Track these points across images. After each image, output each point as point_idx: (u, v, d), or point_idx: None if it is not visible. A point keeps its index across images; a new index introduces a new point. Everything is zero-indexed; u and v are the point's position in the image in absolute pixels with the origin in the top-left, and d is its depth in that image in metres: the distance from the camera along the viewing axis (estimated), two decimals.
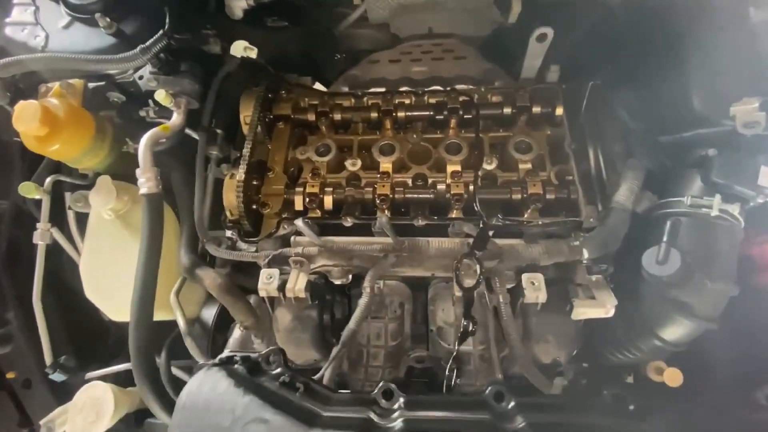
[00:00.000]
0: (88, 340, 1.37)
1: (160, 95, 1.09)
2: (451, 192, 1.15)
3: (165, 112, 1.23)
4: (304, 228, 1.03)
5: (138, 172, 1.05)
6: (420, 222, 1.14)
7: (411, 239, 1.04)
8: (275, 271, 1.03)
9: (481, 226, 0.98)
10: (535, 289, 0.94)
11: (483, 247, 0.95)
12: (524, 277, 0.96)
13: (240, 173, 1.15)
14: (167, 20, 1.12)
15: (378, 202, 1.16)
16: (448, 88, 1.37)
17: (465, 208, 1.15)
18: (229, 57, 1.35)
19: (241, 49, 1.32)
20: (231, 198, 1.16)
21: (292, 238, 1.12)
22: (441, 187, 1.17)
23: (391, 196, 1.17)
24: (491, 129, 1.33)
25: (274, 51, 1.54)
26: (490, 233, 0.98)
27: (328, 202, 1.19)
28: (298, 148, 1.31)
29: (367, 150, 1.34)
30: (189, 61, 1.23)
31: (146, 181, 1.04)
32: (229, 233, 1.21)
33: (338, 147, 1.32)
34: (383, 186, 1.18)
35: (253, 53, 1.35)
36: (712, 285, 0.88)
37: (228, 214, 1.20)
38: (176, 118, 1.15)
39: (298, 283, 1.00)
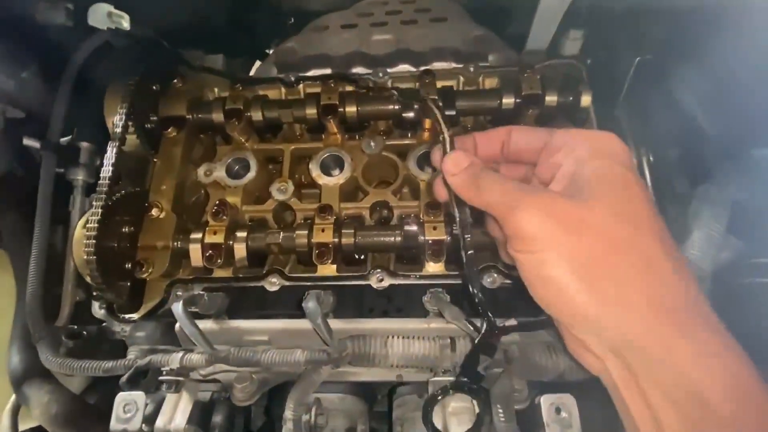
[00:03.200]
0: None
1: None
2: (427, 236, 0.75)
3: None
4: (184, 320, 0.63)
5: None
6: (381, 281, 0.76)
7: (359, 341, 0.64)
8: (138, 397, 0.64)
9: (481, 329, 0.56)
10: (564, 425, 0.57)
11: (478, 367, 0.55)
12: (544, 401, 0.59)
13: (92, 216, 0.73)
14: None
15: (316, 254, 0.76)
16: (422, 69, 0.94)
17: (449, 257, 0.76)
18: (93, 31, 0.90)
19: (103, 16, 0.87)
20: (81, 254, 0.75)
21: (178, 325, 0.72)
22: (412, 228, 0.77)
23: (336, 242, 0.77)
24: (485, 129, 0.90)
25: (188, 16, 1.09)
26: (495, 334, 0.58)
27: (241, 253, 0.79)
28: (202, 165, 0.89)
29: (305, 164, 0.93)
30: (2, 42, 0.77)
31: None
32: (96, 306, 0.81)
33: (261, 162, 0.90)
34: (323, 229, 0.77)
35: (123, 21, 0.89)
36: None
37: (87, 279, 0.79)
38: None
39: (176, 419, 0.62)
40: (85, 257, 0.71)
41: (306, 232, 0.78)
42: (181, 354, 0.63)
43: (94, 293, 0.80)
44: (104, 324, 0.82)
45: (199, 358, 0.62)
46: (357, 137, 0.92)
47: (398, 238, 0.77)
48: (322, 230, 0.77)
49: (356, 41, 1.08)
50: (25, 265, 0.80)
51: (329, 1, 1.25)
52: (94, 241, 0.71)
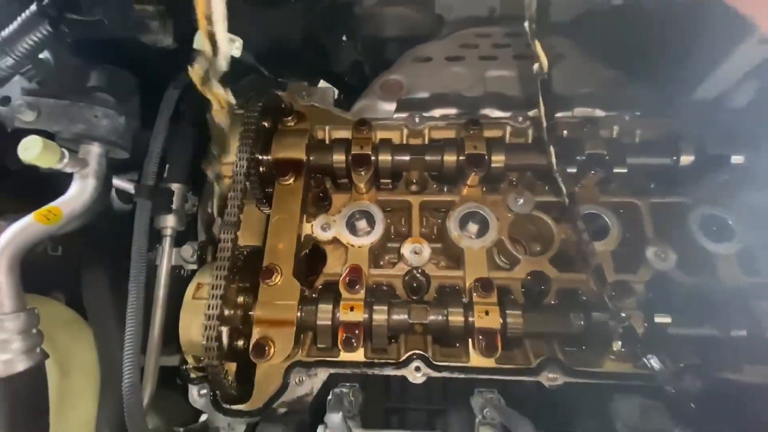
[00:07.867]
0: None
1: (31, 151, 0.50)
2: (620, 324, 0.62)
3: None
4: None
5: None
6: (555, 380, 0.62)
7: None
8: None
9: None
10: None
11: None
12: None
13: (213, 290, 0.58)
14: None
15: (482, 344, 0.62)
16: (572, 114, 0.82)
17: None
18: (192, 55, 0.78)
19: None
20: (192, 334, 0.61)
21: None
22: (599, 314, 0.63)
23: (498, 329, 0.63)
24: (648, 190, 0.78)
25: (270, 39, 0.97)
26: None
27: (382, 334, 0.65)
28: (318, 218, 0.75)
29: (437, 219, 0.80)
30: (108, 68, 0.63)
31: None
32: (194, 393, 0.66)
33: (386, 216, 0.76)
34: (486, 311, 0.64)
35: (236, 47, 0.77)
36: None
37: (190, 360, 0.64)
38: (77, 189, 0.57)
39: None
40: (206, 343, 0.56)
41: (460, 310, 0.65)
42: None
43: (193, 376, 0.65)
44: (204, 416, 0.66)
45: None
46: (499, 193, 0.79)
47: (578, 326, 0.64)
48: (486, 313, 0.63)
49: (471, 77, 0.96)
50: (110, 347, 0.65)
51: (406, 26, 1.14)
52: (217, 322, 0.56)
